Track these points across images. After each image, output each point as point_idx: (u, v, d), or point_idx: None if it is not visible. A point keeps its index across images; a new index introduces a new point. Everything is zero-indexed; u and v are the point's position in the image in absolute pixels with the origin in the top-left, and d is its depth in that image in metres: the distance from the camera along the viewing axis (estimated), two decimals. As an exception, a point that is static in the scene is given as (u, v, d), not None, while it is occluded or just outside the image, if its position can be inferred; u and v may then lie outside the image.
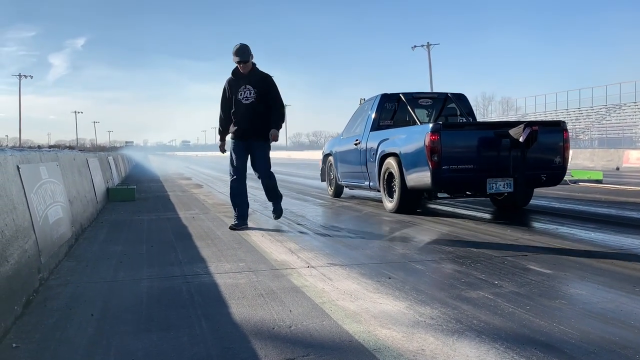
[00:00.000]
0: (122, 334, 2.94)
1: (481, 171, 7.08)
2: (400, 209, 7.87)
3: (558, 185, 12.64)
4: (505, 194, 7.76)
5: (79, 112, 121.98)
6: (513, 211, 8.09)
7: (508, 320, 3.04)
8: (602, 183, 13.27)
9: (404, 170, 7.61)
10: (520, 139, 6.87)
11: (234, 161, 6.84)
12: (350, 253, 5.08)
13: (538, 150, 7.14)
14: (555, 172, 7.49)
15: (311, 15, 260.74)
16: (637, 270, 4.20)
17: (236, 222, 6.69)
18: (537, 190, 11.43)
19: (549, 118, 55.06)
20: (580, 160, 26.46)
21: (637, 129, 44.00)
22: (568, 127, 7.83)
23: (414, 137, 7.44)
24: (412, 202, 7.88)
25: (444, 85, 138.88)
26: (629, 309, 3.22)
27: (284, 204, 7.25)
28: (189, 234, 6.29)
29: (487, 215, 7.71)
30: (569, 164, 7.66)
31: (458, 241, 5.54)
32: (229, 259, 4.80)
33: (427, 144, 6.98)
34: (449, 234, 6.02)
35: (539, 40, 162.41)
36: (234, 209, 6.81)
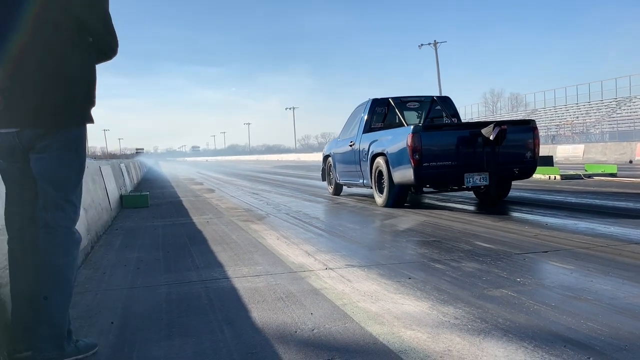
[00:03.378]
0: (144, 341, 2.91)
1: (459, 167, 7.82)
2: (388, 203, 8.59)
3: (573, 180, 12.64)
4: (482, 188, 8.40)
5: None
6: (493, 203, 8.70)
7: (534, 318, 2.98)
8: (616, 176, 13.14)
9: (390, 168, 8.36)
10: (491, 137, 7.60)
11: (80, 187, 2.80)
12: (367, 254, 5.04)
13: (510, 146, 7.92)
14: (527, 166, 8.20)
15: (317, 16, 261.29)
16: (662, 263, 4.12)
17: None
18: (552, 186, 11.36)
19: (559, 113, 54.71)
20: (593, 154, 26.26)
21: (649, 122, 43.62)
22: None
23: (398, 138, 8.21)
24: (400, 197, 8.58)
25: (452, 82, 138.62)
26: (657, 304, 3.15)
27: (298, 206, 7.21)
28: (204, 238, 6.27)
29: (502, 212, 7.64)
30: (538, 158, 8.35)
31: (476, 239, 5.48)
32: (246, 263, 4.77)
33: (409, 143, 7.74)
34: (465, 231, 5.95)
35: (547, 35, 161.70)
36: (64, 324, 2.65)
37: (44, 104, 2.59)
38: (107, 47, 2.82)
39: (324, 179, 12.24)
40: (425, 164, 7.70)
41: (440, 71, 52.03)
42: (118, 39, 2.84)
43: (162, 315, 3.37)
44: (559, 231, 5.75)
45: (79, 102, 2.69)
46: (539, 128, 8.36)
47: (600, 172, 14.06)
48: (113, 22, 2.82)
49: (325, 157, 11.94)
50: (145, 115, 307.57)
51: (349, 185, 10.95)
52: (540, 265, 4.27)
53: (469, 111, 67.06)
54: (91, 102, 2.76)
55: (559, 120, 52.87)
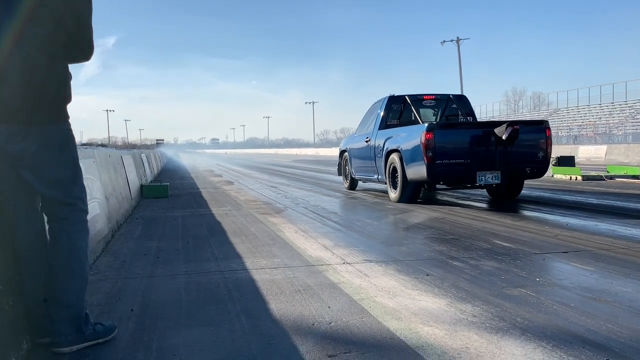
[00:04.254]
0: (163, 329, 2.95)
1: (471, 165, 8.00)
2: (401, 199, 8.75)
3: (594, 181, 12.49)
4: (494, 186, 8.48)
5: (110, 111, 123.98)
6: (505, 201, 8.87)
7: (553, 317, 2.97)
8: (639, 178, 12.95)
9: (404, 164, 8.53)
10: (503, 137, 7.78)
11: (80, 179, 2.86)
12: (384, 249, 5.04)
13: (523, 146, 8.10)
14: (539, 165, 8.40)
15: (338, 13, 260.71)
16: (684, 267, 4.07)
17: None
18: (573, 186, 11.24)
19: (581, 113, 54.01)
20: (615, 156, 25.90)
21: (674, 123, 42.91)
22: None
23: (412, 135, 8.37)
24: (413, 193, 8.74)
25: (474, 80, 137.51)
26: (679, 308, 3.11)
27: (315, 200, 7.23)
28: (223, 230, 6.31)
29: (522, 212, 7.58)
30: (550, 158, 8.62)
31: (495, 238, 5.45)
32: (264, 255, 4.79)
33: (422, 141, 7.92)
34: (484, 230, 5.92)
35: (571, 34, 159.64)
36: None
37: (16, 102, 2.51)
38: (79, 52, 2.73)
39: (339, 174, 12.44)
40: (438, 161, 7.87)
41: (462, 69, 51.47)
42: (94, 46, 2.75)
43: (182, 304, 3.41)
44: (580, 232, 5.70)
45: (52, 99, 2.62)
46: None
47: (622, 173, 13.87)
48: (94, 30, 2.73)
49: (342, 152, 12.11)
50: (166, 107, 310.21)
51: (364, 181, 11.11)
52: (560, 265, 4.24)
53: (490, 109, 66.53)
54: (66, 99, 2.69)
55: (581, 121, 52.19)
